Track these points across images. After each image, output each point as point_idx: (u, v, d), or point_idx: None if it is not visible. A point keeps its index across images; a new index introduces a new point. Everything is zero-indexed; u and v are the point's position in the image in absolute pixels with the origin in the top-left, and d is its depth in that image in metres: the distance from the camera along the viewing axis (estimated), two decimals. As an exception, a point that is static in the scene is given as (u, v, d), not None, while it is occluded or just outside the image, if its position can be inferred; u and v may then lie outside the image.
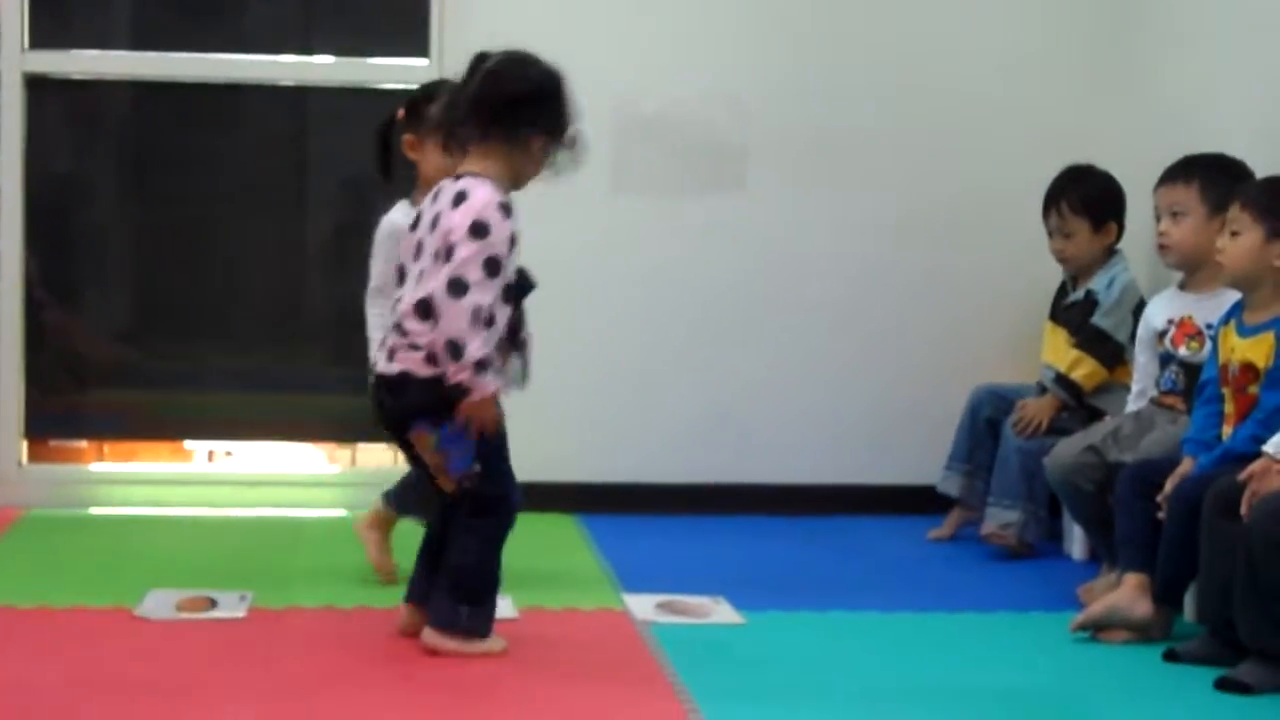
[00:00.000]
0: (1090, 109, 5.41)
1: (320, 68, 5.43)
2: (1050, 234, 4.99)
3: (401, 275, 3.82)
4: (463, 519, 3.76)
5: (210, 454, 5.61)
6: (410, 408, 3.71)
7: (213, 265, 5.55)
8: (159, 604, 4.09)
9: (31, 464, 5.38)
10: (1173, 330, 4.43)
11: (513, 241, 3.68)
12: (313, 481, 5.43)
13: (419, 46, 5.37)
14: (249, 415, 5.57)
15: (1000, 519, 4.86)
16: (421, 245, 3.74)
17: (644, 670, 3.71)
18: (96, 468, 5.49)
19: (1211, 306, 4.29)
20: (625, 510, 5.25)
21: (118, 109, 5.57)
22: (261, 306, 5.63)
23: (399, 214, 4.29)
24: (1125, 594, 4.00)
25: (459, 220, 3.64)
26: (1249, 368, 3.95)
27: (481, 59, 3.83)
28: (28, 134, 5.30)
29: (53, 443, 5.48)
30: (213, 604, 4.09)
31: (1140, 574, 3.98)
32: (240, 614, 4.03)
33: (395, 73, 5.41)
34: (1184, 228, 4.36)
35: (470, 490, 3.73)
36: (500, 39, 5.27)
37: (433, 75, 5.34)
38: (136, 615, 4.01)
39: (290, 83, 5.47)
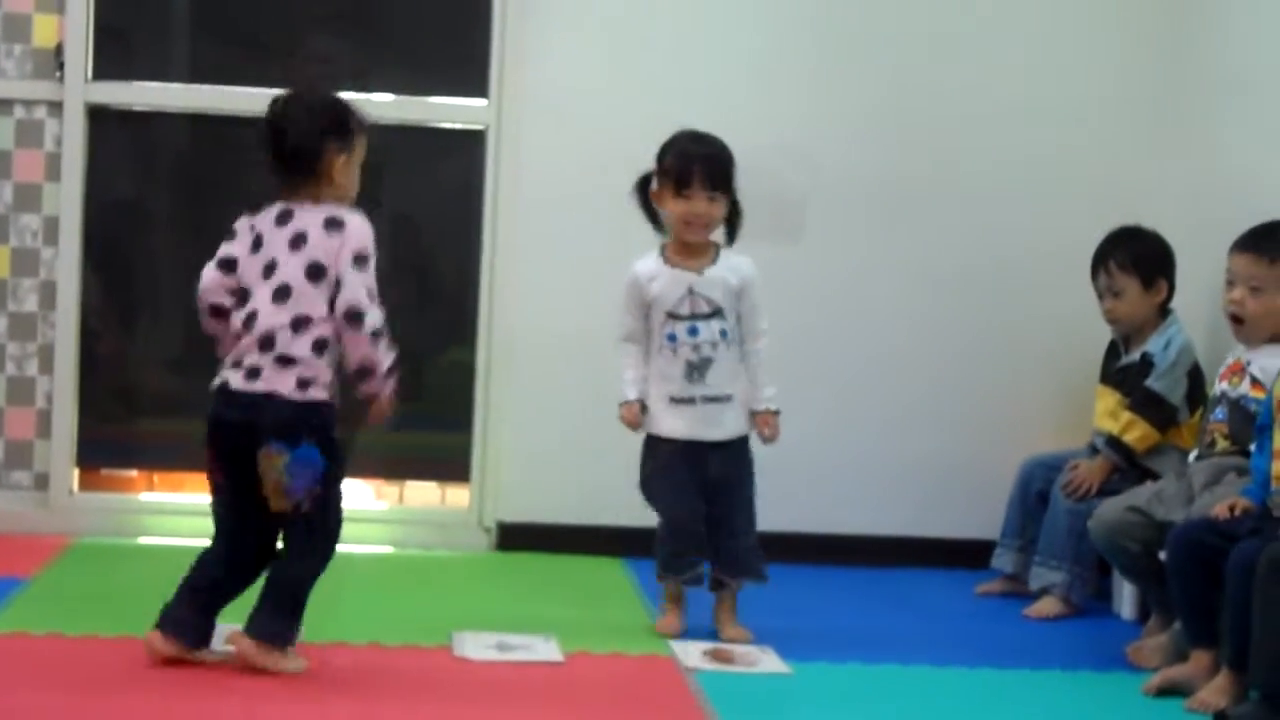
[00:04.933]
0: (1147, 168, 5.41)
1: (378, 105, 5.44)
2: (1100, 295, 4.98)
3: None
4: (302, 539, 3.89)
5: (259, 488, 5.62)
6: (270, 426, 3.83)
7: (266, 299, 5.56)
8: (208, 637, 4.09)
9: (82, 492, 5.41)
10: (1222, 368, 4.50)
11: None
12: (360, 518, 5.39)
13: (478, 87, 5.40)
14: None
15: (1045, 579, 4.85)
16: (275, 264, 3.88)
17: (689, 718, 3.70)
18: (146, 497, 5.51)
19: (1262, 351, 4.36)
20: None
21: (175, 141, 5.62)
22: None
23: (642, 265, 4.44)
24: (1193, 671, 3.98)
25: (341, 247, 3.85)
26: None
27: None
28: (88, 164, 5.35)
29: (104, 471, 5.51)
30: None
31: (1208, 650, 3.96)
32: (288, 649, 4.04)
33: (453, 112, 5.44)
34: (1260, 302, 4.36)
35: (309, 513, 3.85)
36: (559, 80, 5.36)
37: (492, 116, 5.38)
38: (186, 647, 4.02)
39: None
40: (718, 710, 3.74)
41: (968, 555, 5.26)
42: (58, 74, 5.30)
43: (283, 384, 3.83)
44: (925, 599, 5.05)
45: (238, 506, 3.91)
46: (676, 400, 4.39)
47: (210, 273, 3.93)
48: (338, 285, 3.83)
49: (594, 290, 5.32)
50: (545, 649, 4.17)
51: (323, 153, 3.91)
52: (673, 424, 4.41)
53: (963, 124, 5.46)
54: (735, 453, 4.42)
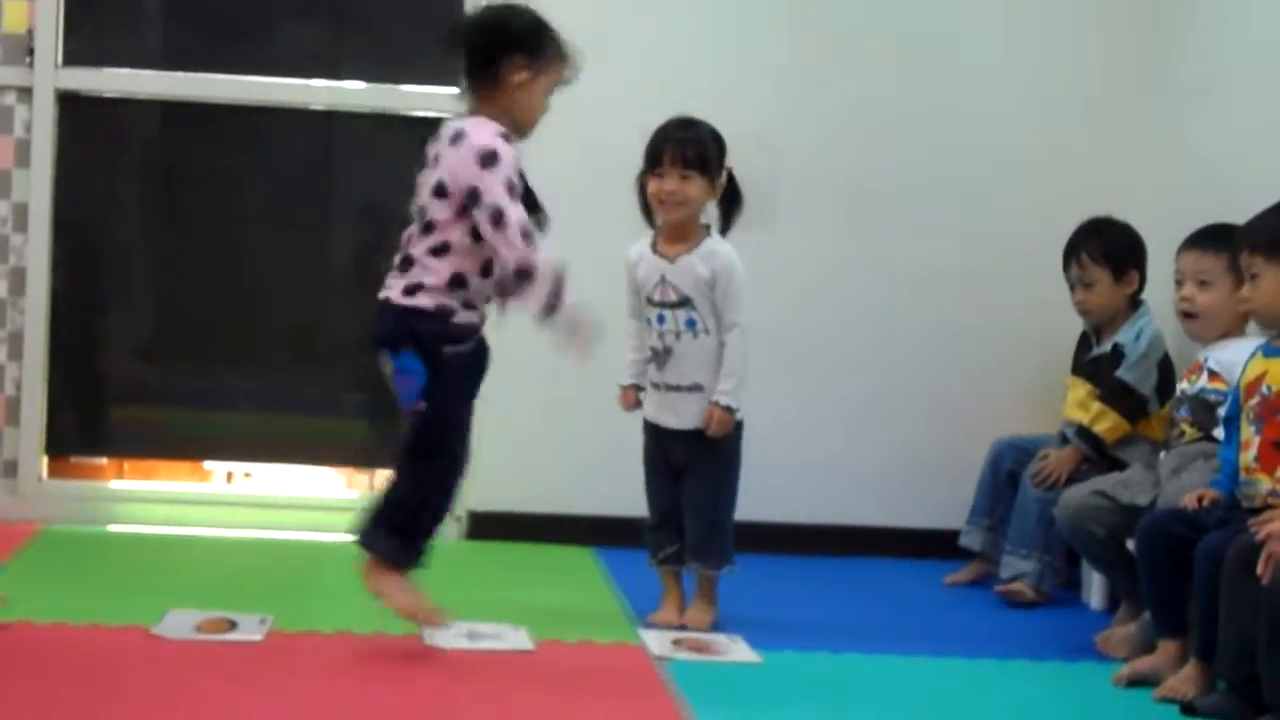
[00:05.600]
0: (1118, 163, 5.42)
1: (350, 93, 5.45)
2: (1071, 286, 5.00)
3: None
4: (403, 456, 3.92)
5: (229, 475, 5.62)
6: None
7: (237, 286, 5.56)
8: (178, 624, 4.09)
9: (51, 479, 5.40)
10: (1183, 369, 4.56)
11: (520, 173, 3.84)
12: (332, 506, 5.43)
13: (450, 75, 5.38)
14: (269, 437, 5.58)
15: (1016, 568, 4.86)
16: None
17: (659, 706, 3.71)
18: (116, 485, 5.49)
19: (1217, 346, 4.40)
20: (643, 545, 5.25)
21: (145, 128, 5.59)
22: (284, 329, 5.64)
23: (634, 247, 4.48)
24: (1161, 661, 4.00)
25: (464, 155, 3.79)
26: None
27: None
28: (58, 151, 5.33)
29: (73, 459, 5.49)
30: (232, 626, 4.09)
31: (1176, 640, 3.98)
32: (259, 637, 4.03)
33: (424, 100, 5.43)
34: (1210, 296, 4.38)
35: (415, 428, 3.86)
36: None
37: (463, 104, 5.36)
38: (155, 634, 4.01)
39: (320, 107, 5.49)
40: (688, 699, 3.74)
41: (939, 545, 5.27)
42: (28, 59, 5.28)
43: (395, 289, 3.86)
44: (896, 589, 5.07)
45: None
46: (651, 383, 4.44)
47: None
48: (472, 195, 3.78)
49: (568, 279, 5.31)
50: (515, 637, 4.17)
51: (500, 64, 3.88)
52: (647, 405, 4.48)
53: (935, 121, 5.47)
54: (702, 442, 4.41)
